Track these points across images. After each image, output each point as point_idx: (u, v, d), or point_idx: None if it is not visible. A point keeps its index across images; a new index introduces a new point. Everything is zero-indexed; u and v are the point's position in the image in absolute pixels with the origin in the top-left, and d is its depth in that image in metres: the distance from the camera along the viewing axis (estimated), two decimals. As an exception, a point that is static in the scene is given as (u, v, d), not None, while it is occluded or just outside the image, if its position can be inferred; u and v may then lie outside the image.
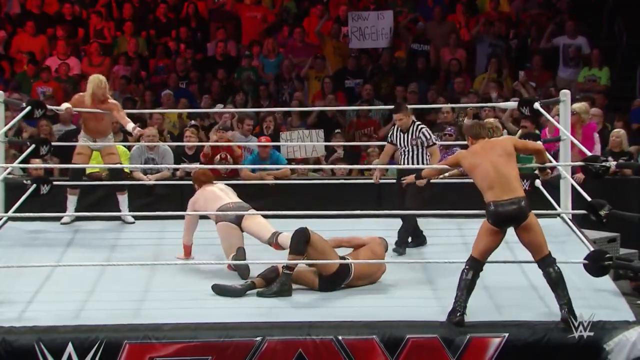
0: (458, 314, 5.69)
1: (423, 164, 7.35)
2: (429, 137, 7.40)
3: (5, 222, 7.81)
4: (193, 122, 10.27)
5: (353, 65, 12.09)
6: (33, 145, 7.96)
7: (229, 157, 9.33)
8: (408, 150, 7.43)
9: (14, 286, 6.37)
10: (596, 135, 9.40)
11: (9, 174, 7.95)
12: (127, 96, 11.22)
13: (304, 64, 12.23)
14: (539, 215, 7.33)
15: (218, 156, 9.34)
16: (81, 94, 8.23)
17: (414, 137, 7.38)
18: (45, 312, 5.91)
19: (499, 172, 5.81)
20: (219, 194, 7.02)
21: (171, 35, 12.81)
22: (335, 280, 6.35)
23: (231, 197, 7.01)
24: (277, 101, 11.69)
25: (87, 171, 8.79)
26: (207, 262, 6.79)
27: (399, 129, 7.46)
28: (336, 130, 10.20)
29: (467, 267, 5.80)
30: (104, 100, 8.02)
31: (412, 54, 12.26)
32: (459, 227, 7.75)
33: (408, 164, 7.39)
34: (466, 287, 5.75)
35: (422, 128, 7.41)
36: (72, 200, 8.14)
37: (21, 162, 7.90)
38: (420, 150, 7.40)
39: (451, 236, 7.60)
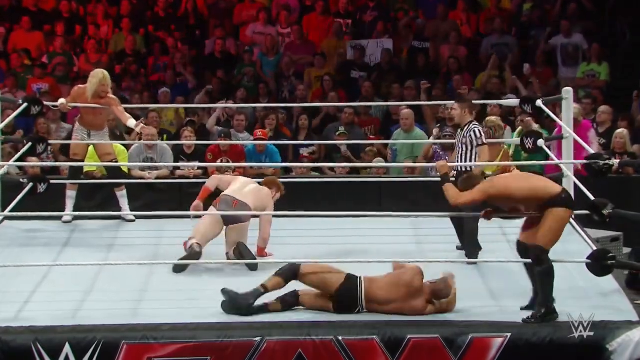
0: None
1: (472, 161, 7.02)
2: (478, 135, 7.00)
3: (2, 221, 7.82)
4: (189, 118, 10.25)
5: (358, 57, 12.07)
6: (30, 144, 7.91)
7: (230, 161, 9.26)
8: (458, 150, 7.12)
9: (10, 286, 6.37)
10: (592, 134, 9.41)
11: (5, 172, 7.93)
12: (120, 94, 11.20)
13: (304, 62, 12.22)
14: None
15: (219, 161, 9.30)
16: (81, 86, 8.19)
17: (464, 135, 7.05)
18: (43, 312, 5.90)
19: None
20: (231, 182, 7.16)
21: (170, 32, 12.78)
22: (345, 298, 5.94)
23: (237, 193, 7.04)
24: (277, 99, 11.67)
25: (84, 169, 8.74)
26: (207, 261, 6.79)
27: (459, 126, 7.20)
28: (340, 129, 10.17)
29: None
30: (103, 95, 8.01)
31: (412, 51, 12.26)
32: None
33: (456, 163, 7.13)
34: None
35: (474, 127, 7.05)
36: (71, 196, 8.11)
37: (17, 161, 7.87)
38: (468, 150, 7.03)
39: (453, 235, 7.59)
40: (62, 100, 8.08)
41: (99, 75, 7.99)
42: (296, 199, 7.92)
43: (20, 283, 6.40)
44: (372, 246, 7.19)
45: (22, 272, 6.54)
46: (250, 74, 11.92)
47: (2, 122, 7.96)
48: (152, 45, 12.67)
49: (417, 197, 8.52)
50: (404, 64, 12.23)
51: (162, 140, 9.80)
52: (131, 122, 7.98)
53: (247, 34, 12.74)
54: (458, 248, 7.29)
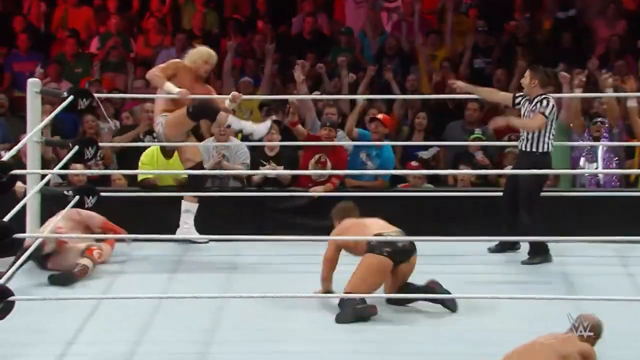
0: None
1: (538, 142, 7.78)
2: (545, 105, 7.78)
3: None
4: (274, 116, 10.17)
5: (483, 41, 11.92)
6: (76, 147, 7.93)
7: (328, 162, 9.12)
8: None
9: (51, 322, 6.46)
10: None
11: (46, 183, 7.99)
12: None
13: (415, 44, 12.09)
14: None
15: (314, 159, 9.11)
16: (181, 61, 8.07)
17: (534, 105, 7.83)
18: (90, 355, 5.99)
19: None
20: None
21: (247, 8, 12.88)
22: None
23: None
24: (378, 88, 11.49)
25: (140, 177, 8.86)
26: (302, 294, 6.73)
27: (526, 97, 7.96)
28: (476, 131, 9.96)
29: None
30: (205, 77, 8.01)
31: (557, 26, 12.07)
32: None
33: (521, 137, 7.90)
34: None
35: (544, 97, 7.84)
36: (191, 209, 8.08)
37: (62, 168, 7.90)
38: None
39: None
40: (181, 89, 7.83)
41: (204, 54, 7.93)
42: (407, 215, 7.87)
43: (63, 319, 6.49)
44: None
45: (66, 306, 6.65)
46: (348, 60, 11.82)
47: (43, 119, 7.97)
48: (226, 24, 12.67)
49: (560, 213, 8.35)
50: (545, 42, 12.01)
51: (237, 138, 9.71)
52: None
53: (343, 10, 12.71)
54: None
